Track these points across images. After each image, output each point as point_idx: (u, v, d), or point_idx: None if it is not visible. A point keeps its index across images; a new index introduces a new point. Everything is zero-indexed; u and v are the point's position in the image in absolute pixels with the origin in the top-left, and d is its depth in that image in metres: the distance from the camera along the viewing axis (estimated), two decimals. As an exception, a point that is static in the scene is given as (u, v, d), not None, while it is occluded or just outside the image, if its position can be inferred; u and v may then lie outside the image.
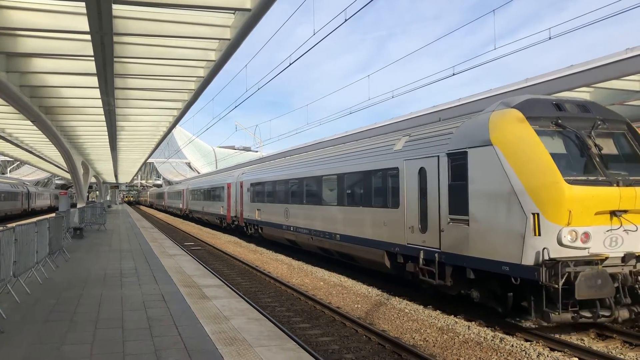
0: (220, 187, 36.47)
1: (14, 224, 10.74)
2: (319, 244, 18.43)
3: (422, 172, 12.30)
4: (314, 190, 19.11)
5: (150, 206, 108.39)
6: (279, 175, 23.33)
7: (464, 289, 11.33)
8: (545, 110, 10.25)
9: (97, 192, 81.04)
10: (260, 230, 26.27)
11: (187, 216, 56.15)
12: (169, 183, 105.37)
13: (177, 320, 8.18)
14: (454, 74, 17.87)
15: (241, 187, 30.16)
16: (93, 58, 11.58)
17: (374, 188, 14.74)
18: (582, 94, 16.09)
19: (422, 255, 12.01)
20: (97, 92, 15.44)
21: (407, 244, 12.80)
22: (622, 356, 8.82)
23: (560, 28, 16.07)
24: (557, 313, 8.86)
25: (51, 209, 78.11)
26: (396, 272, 13.85)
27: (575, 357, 8.74)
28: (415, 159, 12.66)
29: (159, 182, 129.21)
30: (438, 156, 11.62)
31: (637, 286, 9.22)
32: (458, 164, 11.01)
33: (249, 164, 46.57)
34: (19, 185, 63.83)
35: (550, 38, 14.10)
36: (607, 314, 8.96)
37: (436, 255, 11.47)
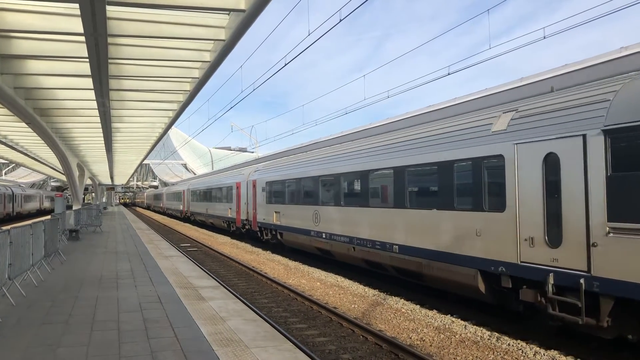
0: (228, 187, 33.55)
1: (8, 227, 10.70)
2: (365, 255, 14.94)
3: (550, 160, 8.94)
4: (358, 189, 15.54)
5: (148, 208, 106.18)
6: (306, 171, 19.71)
7: (634, 334, 8.01)
8: None
9: (93, 193, 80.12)
10: (279, 237, 22.86)
11: (188, 219, 53.11)
12: (165, 184, 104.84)
13: (173, 321, 8.17)
14: (449, 74, 17.91)
15: (254, 186, 26.90)
16: (87, 59, 11.54)
17: (457, 184, 11.30)
18: None
19: (551, 280, 8.65)
20: (92, 94, 15.38)
21: (521, 262, 9.37)
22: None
23: (555, 27, 16.09)
24: None
25: (41, 212, 73.97)
26: (497, 300, 10.58)
27: (570, 355, 8.76)
28: (535, 142, 9.23)
29: (155, 183, 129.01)
30: (584, 135, 8.30)
31: None
32: (627, 144, 7.76)
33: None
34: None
35: (544, 37, 14.16)
36: None
37: (582, 281, 8.14)
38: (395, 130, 17.86)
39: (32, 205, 70.58)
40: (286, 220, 21.77)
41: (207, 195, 41.43)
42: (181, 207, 56.95)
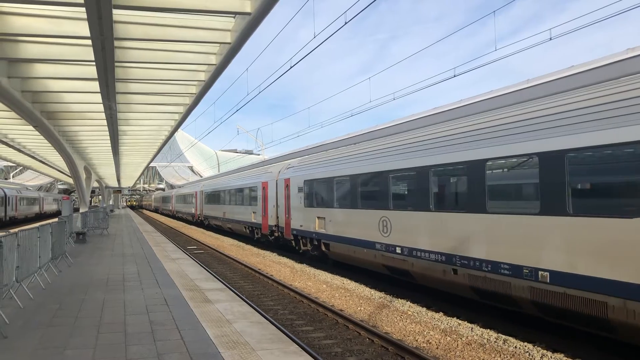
0: (252, 188, 29.29)
1: (16, 229, 10.75)
2: (478, 283, 10.66)
3: None
4: (465, 188, 11.21)
5: (156, 211, 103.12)
6: (368, 166, 15.46)
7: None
8: None
9: (100, 196, 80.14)
10: (325, 248, 18.66)
11: (201, 223, 48.67)
12: (172, 187, 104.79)
13: (179, 324, 8.18)
14: (455, 76, 17.86)
15: (287, 186, 22.67)
16: (94, 63, 11.62)
17: None
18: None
19: None
20: (98, 97, 15.48)
21: None
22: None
23: (561, 29, 16.04)
24: None
25: (41, 217, 67.51)
26: None
27: (578, 358, 8.71)
28: None
29: (161, 186, 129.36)
30: None
31: None
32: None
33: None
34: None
35: (550, 38, 14.11)
36: None
37: None
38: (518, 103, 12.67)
39: (29, 210, 63.53)
40: (335, 228, 17.64)
41: (224, 197, 37.18)
42: (193, 210, 52.65)
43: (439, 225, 11.98)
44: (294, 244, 22.19)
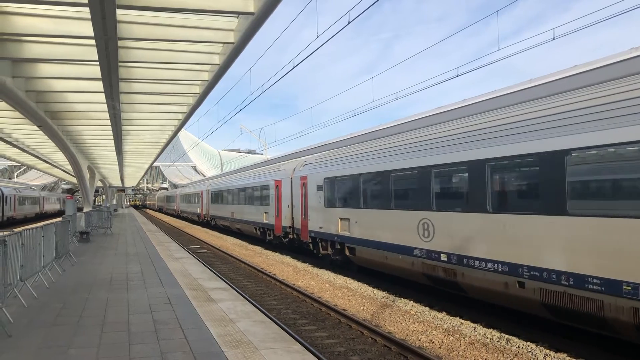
0: (263, 186, 27.46)
1: (20, 229, 10.79)
2: (556, 300, 8.92)
3: None
4: (537, 186, 9.42)
5: (160, 210, 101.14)
6: (403, 161, 13.65)
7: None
8: None
9: (104, 196, 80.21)
10: (349, 253, 16.93)
11: (208, 223, 46.71)
12: (175, 186, 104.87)
13: (183, 323, 8.20)
14: (457, 75, 17.84)
15: (303, 185, 21.00)
16: (98, 63, 11.65)
17: None
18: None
19: None
20: (102, 97, 15.53)
21: None
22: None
23: (565, 28, 15.99)
24: None
25: (42, 217, 64.44)
26: None
27: (581, 358, 8.70)
28: None
29: (164, 185, 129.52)
30: None
31: None
32: None
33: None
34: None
35: (554, 38, 14.08)
36: None
37: None
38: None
39: (30, 209, 60.53)
40: (362, 230, 15.88)
41: (232, 196, 35.12)
42: (199, 210, 50.38)
43: (499, 229, 10.13)
44: (311, 247, 20.37)
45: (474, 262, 10.77)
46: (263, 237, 27.71)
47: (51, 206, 75.92)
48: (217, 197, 40.87)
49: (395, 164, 14.09)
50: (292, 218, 22.48)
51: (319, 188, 19.28)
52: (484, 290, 10.67)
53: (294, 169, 22.85)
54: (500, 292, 10.15)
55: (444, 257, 11.81)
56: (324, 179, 18.81)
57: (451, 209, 11.72)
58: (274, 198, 25.04)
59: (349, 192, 16.91)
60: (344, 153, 18.36)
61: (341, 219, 17.37)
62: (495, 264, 10.18)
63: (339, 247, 17.69)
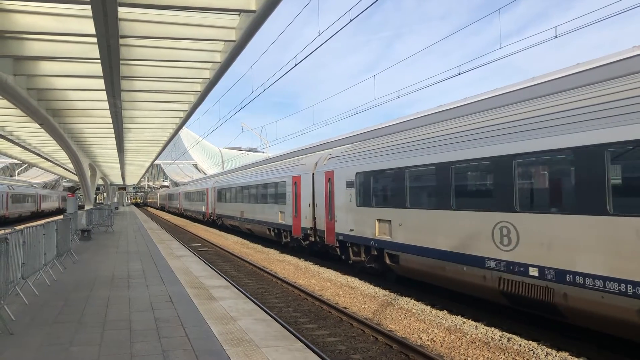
0: (279, 183, 24.83)
1: (21, 226, 10.80)
2: None
3: None
4: None
5: (162, 209, 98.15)
6: (475, 150, 11.07)
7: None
8: None
9: (105, 194, 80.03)
10: (390, 261, 14.40)
11: (213, 223, 44.13)
12: (176, 184, 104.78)
13: (184, 321, 8.20)
14: (459, 74, 17.82)
15: (328, 181, 18.64)
16: (99, 60, 11.64)
17: None
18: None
19: None
20: (103, 95, 15.53)
21: None
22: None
23: (567, 26, 15.95)
24: None
25: (39, 215, 60.61)
26: None
27: (582, 357, 8.69)
28: None
29: (166, 183, 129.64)
30: None
31: None
32: None
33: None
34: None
35: (556, 36, 14.05)
36: None
37: None
38: None
39: (25, 207, 55.84)
40: (409, 235, 13.50)
41: (242, 194, 32.59)
42: (204, 209, 47.69)
43: (622, 237, 7.75)
44: (338, 253, 17.79)
45: (585, 280, 8.29)
46: (278, 239, 25.14)
47: (49, 204, 72.23)
48: (225, 195, 38.30)
49: (457, 154, 11.53)
50: (314, 218, 20.08)
51: (350, 184, 16.89)
52: (601, 318, 8.20)
53: (316, 164, 20.55)
54: (631, 323, 7.65)
55: (533, 272, 9.29)
56: (356, 173, 16.37)
57: (545, 210, 9.27)
58: (292, 196, 22.63)
59: (389, 189, 14.50)
60: (382, 144, 15.78)
61: (379, 220, 14.87)
62: (620, 284, 7.72)
63: (375, 253, 15.08)
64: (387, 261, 14.41)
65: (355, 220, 16.43)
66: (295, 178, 22.39)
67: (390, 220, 14.33)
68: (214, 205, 43.07)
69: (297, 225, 22.07)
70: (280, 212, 24.29)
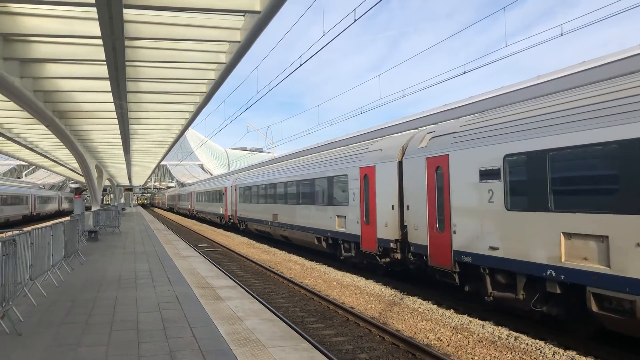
0: (333, 179, 19.00)
1: (29, 228, 10.86)
2: None
3: None
4: None
5: (170, 210, 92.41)
6: None
7: None
8: None
9: (111, 195, 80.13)
10: (605, 309, 8.41)
11: (233, 227, 38.10)
12: (182, 185, 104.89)
13: (191, 321, 8.23)
14: (464, 72, 17.78)
15: (435, 171, 12.94)
16: (105, 62, 11.70)
17: None
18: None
19: None
20: (109, 96, 15.60)
21: None
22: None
23: (573, 24, 15.88)
24: None
25: (33, 219, 53.38)
26: None
27: (590, 356, 8.66)
28: None
29: (172, 184, 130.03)
30: None
31: None
32: None
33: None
34: None
35: (562, 34, 14.01)
36: None
37: None
38: None
39: (16, 210, 48.64)
40: None
41: (276, 192, 26.39)
42: (221, 211, 41.62)
43: None
44: (456, 280, 12.23)
45: None
46: (332, 251, 19.49)
47: (46, 206, 62.91)
48: (250, 194, 32.18)
49: None
50: (403, 227, 14.43)
51: (487, 175, 11.11)
52: None
53: (404, 147, 14.68)
54: None
55: None
56: (505, 157, 10.57)
57: None
58: (360, 194, 16.76)
59: (605, 179, 8.57)
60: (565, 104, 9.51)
61: (570, 235, 9.00)
62: None
63: (558, 291, 9.37)
64: (595, 308, 8.50)
65: (503, 233, 10.58)
66: (366, 170, 16.41)
67: (604, 237, 8.31)
68: (234, 207, 37.07)
69: (368, 236, 16.13)
70: (338, 216, 18.43)
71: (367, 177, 16.34)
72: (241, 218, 34.71)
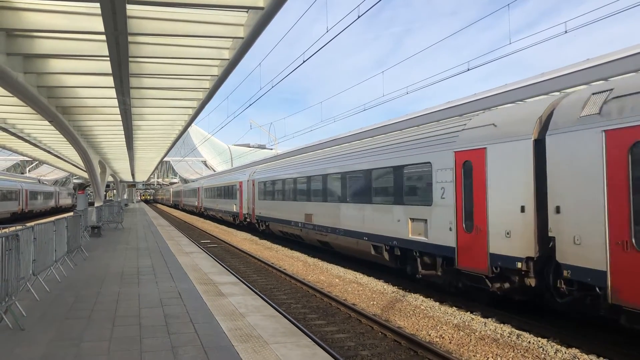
0: (394, 169, 14.90)
1: (32, 223, 10.89)
2: None
3: None
4: None
5: (175, 207, 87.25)
6: None
7: None
8: None
9: (115, 190, 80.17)
10: None
11: (250, 227, 33.93)
12: (185, 181, 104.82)
13: (193, 317, 8.24)
14: (468, 69, 17.74)
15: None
16: (108, 58, 11.69)
17: None
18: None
19: None
20: (113, 92, 15.58)
21: None
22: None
23: (577, 21, 15.78)
24: None
25: (24, 217, 47.12)
26: None
27: (592, 353, 8.65)
28: None
29: (175, 180, 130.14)
30: None
31: None
32: None
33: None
34: None
35: (566, 32, 13.95)
36: None
37: None
38: None
39: (4, 207, 43.27)
40: None
41: (312, 188, 21.54)
42: (234, 209, 37.34)
43: None
44: None
45: None
46: (398, 264, 14.89)
47: (39, 203, 56.97)
48: (273, 189, 27.69)
49: None
50: (544, 239, 9.90)
51: None
52: None
53: (547, 117, 10.27)
54: None
55: None
56: None
57: None
58: (456, 189, 12.15)
59: None
60: None
61: None
62: None
63: None
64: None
65: None
66: (466, 155, 11.90)
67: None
68: (251, 204, 32.67)
69: (471, 249, 11.57)
70: (413, 219, 13.80)
71: (469, 165, 11.78)
72: (260, 217, 30.25)
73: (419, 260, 13.59)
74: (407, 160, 14.25)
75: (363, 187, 16.71)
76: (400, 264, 14.81)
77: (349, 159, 18.25)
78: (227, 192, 40.43)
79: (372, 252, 15.89)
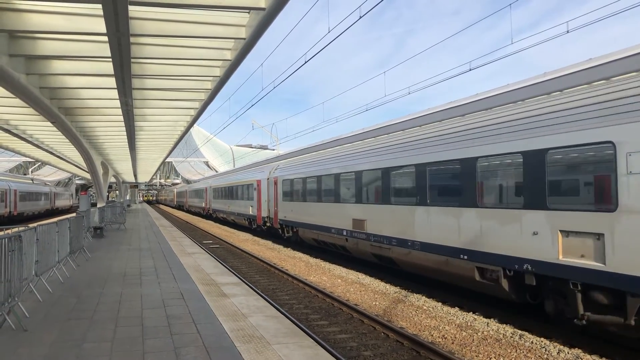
0: (528, 154, 9.78)
1: (35, 224, 10.91)
2: None
3: None
4: None
5: (180, 208, 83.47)
6: None
7: None
8: None
9: (117, 191, 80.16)
10: None
11: (270, 232, 29.72)
12: (188, 182, 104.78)
13: (195, 318, 8.25)
14: (470, 69, 17.71)
15: None
16: (110, 59, 11.71)
17: None
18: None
19: None
20: (115, 93, 15.61)
21: None
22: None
23: (579, 21, 15.70)
24: None
25: (15, 221, 43.37)
26: None
27: (595, 354, 8.63)
28: None
29: (177, 180, 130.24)
30: None
31: None
32: None
33: None
34: None
35: (568, 31, 13.92)
36: None
37: None
38: None
39: None
40: None
41: (372, 188, 16.40)
42: (249, 211, 33.13)
43: None
44: None
45: None
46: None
47: (31, 205, 51.70)
48: (304, 189, 22.60)
49: None
50: None
51: None
52: None
53: None
54: None
55: None
56: None
57: None
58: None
59: None
60: None
61: None
62: None
63: None
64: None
65: None
66: None
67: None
68: (272, 206, 27.88)
69: None
70: (565, 232, 9.07)
71: None
72: (286, 222, 25.38)
73: (579, 296, 8.91)
74: (558, 140, 9.27)
75: (460, 185, 11.87)
76: (530, 297, 10.51)
77: (432, 145, 13.28)
78: (242, 192, 35.98)
79: (477, 277, 11.24)
